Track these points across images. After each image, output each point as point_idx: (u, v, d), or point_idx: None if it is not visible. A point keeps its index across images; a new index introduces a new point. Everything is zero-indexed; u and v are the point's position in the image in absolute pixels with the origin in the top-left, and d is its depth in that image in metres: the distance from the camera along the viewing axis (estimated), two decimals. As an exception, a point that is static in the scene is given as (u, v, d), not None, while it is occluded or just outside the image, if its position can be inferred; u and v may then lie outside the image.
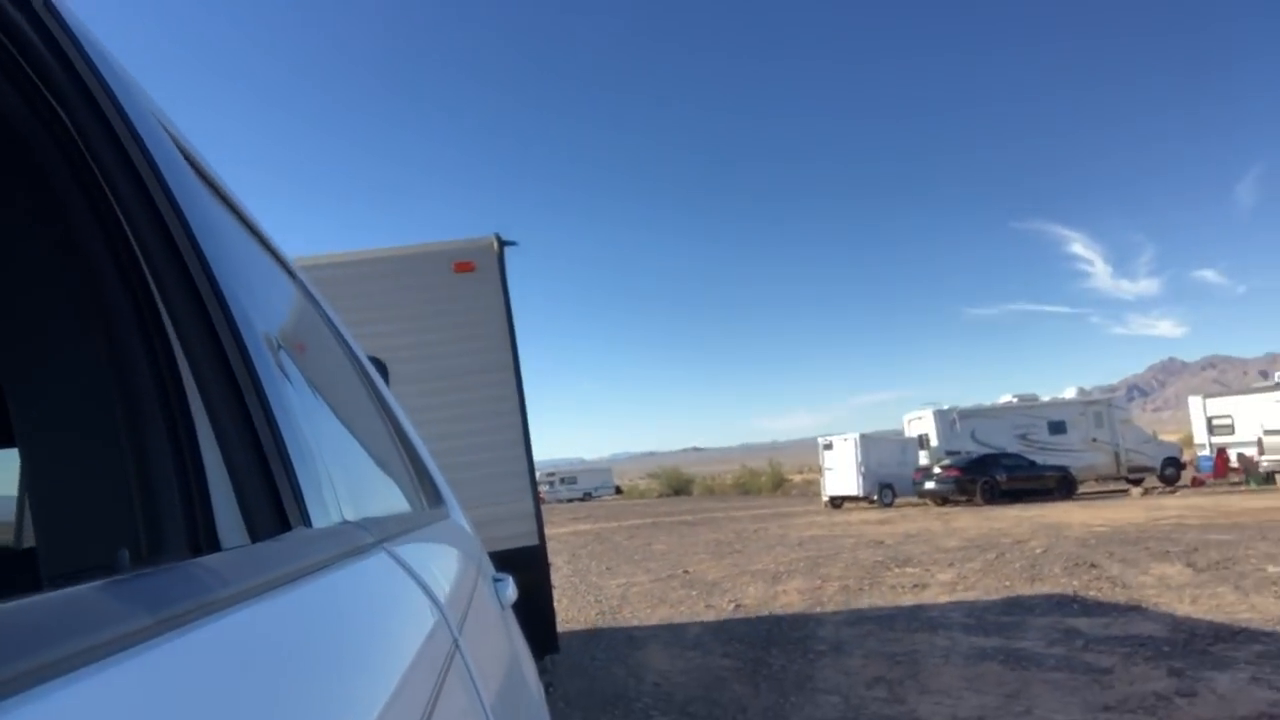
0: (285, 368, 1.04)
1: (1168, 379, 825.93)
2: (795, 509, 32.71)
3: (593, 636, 9.65)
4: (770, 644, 8.42)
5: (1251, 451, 25.68)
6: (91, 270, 0.73)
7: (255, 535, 0.77)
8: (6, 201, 0.73)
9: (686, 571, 14.60)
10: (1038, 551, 13.91)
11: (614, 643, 9.13)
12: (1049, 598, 10.03)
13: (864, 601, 10.63)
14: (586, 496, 70.97)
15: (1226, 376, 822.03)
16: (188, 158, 0.98)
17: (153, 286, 0.76)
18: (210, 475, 0.73)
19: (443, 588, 1.23)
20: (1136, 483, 30.71)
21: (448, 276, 6.77)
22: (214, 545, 0.71)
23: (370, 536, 1.03)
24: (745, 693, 6.80)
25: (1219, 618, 8.27)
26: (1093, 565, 12.04)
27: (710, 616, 10.21)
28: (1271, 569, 10.56)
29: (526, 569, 5.26)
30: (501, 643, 1.70)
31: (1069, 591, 10.27)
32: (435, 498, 2.20)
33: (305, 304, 1.68)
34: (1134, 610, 8.92)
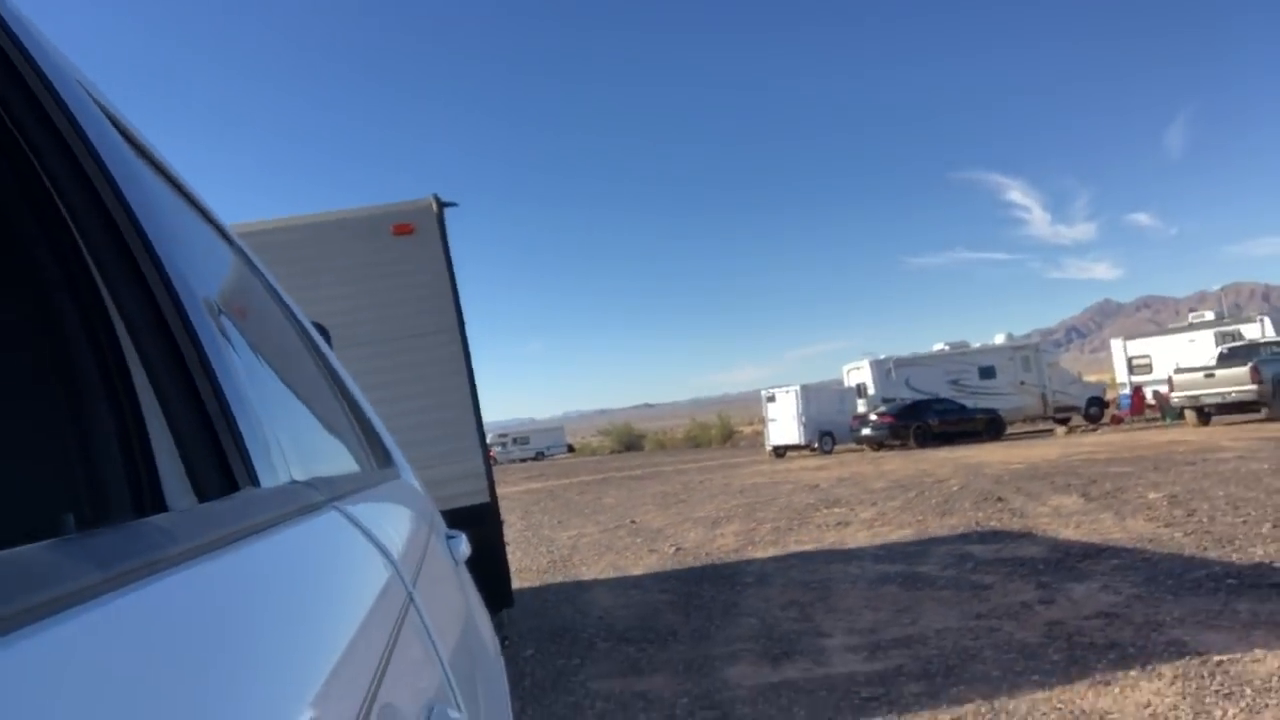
0: (227, 332, 1.03)
1: (1104, 320, 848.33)
2: (742, 460, 33.66)
3: (544, 583, 10.41)
4: (703, 580, 9.27)
5: (1164, 389, 27.28)
6: (20, 238, 0.73)
7: (202, 496, 0.78)
8: None
9: (633, 522, 15.42)
10: (954, 489, 15.02)
11: (564, 587, 9.91)
12: (954, 529, 10.99)
13: (791, 539, 11.55)
14: (539, 456, 71.44)
15: (1160, 316, 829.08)
16: (117, 126, 0.98)
17: (85, 253, 0.75)
18: (154, 439, 0.73)
19: (396, 544, 1.23)
20: (1063, 422, 32.08)
21: (387, 240, 6.79)
22: (160, 507, 0.70)
23: (320, 495, 1.03)
24: (677, 620, 7.63)
25: (1094, 539, 9.17)
26: (999, 499, 13.09)
27: (653, 560, 10.98)
28: (1152, 495, 11.54)
29: (479, 526, 5.39)
30: (456, 597, 1.71)
31: (973, 524, 11.16)
32: (385, 458, 2.20)
33: (244, 270, 1.67)
34: (1024, 537, 9.85)
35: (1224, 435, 19.68)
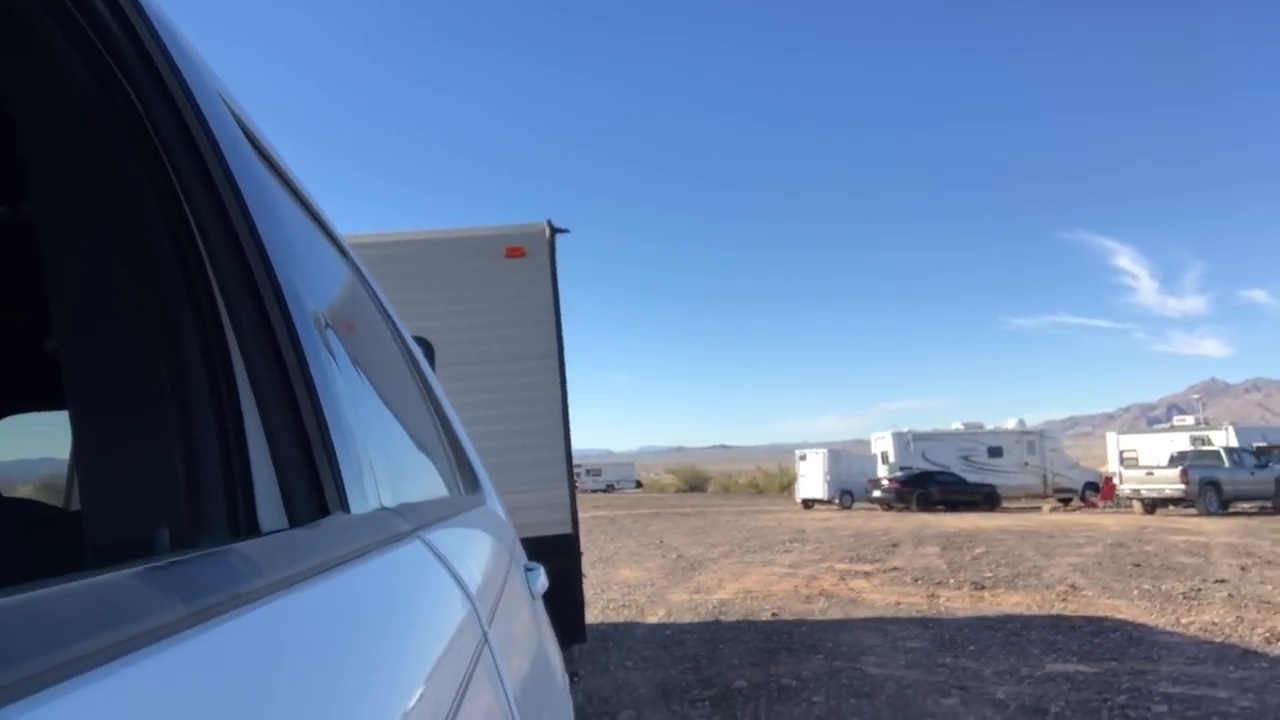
0: (332, 347, 1.05)
1: (1209, 399, 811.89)
2: (777, 508, 39.11)
3: (590, 570, 15.17)
4: (689, 569, 16.13)
5: (1115, 480, 31.44)
6: (147, 242, 0.75)
7: (294, 519, 0.79)
8: (69, 173, 0.75)
9: (662, 542, 21.89)
10: (884, 541, 20.51)
11: (603, 572, 16.06)
12: (840, 559, 16.95)
13: (751, 555, 18.34)
14: (609, 488, 74.84)
15: (1271, 400, 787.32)
16: (248, 134, 1.01)
17: (206, 262, 0.77)
18: (253, 455, 0.74)
19: (474, 578, 1.25)
20: (1066, 502, 36.20)
21: (498, 261, 6.77)
22: (253, 527, 0.72)
23: (406, 524, 1.05)
24: (664, 583, 14.27)
25: (905, 565, 15.55)
26: (894, 547, 19.02)
27: (662, 560, 17.77)
28: (979, 550, 17.55)
29: (558, 556, 5.33)
30: (530, 634, 1.73)
31: (854, 558, 17.06)
32: (472, 483, 2.21)
33: (356, 283, 1.70)
34: (867, 561, 16.38)
35: (1140, 521, 24.21)
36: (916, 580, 13.63)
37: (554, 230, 6.93)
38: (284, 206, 1.10)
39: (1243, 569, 13.30)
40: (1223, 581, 11.94)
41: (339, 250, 1.58)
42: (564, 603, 4.82)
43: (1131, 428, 35.86)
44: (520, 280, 6.79)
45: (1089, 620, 9.47)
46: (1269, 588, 11.18)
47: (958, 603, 11.26)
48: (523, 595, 1.81)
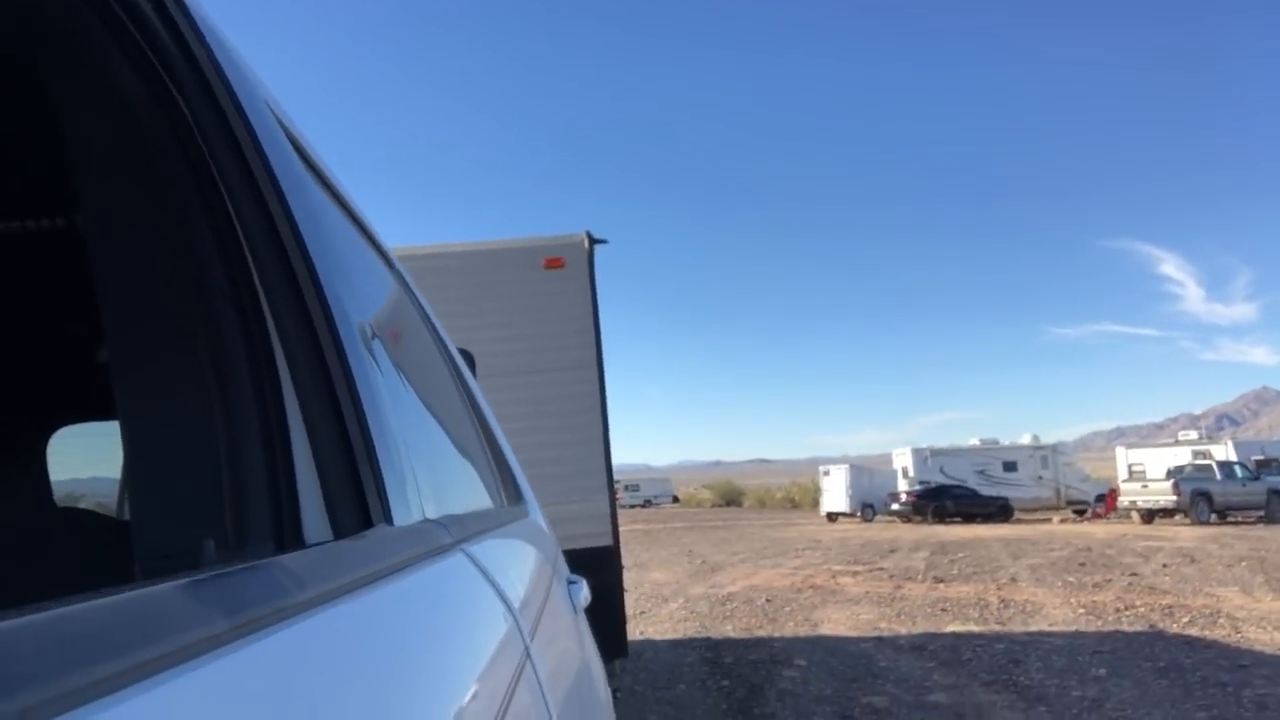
0: (378, 358, 1.02)
1: (1260, 408, 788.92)
2: (804, 522, 38.65)
3: (625, 574, 18.37)
4: (711, 571, 16.98)
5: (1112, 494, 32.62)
6: (195, 252, 0.73)
7: (338, 530, 0.76)
8: (120, 185, 0.73)
9: (691, 551, 22.40)
10: (885, 548, 21.14)
11: (637, 575, 16.10)
12: (840, 561, 18.07)
13: (764, 560, 19.17)
14: (647, 503, 74.01)
15: None
16: (296, 146, 0.97)
17: (253, 272, 0.75)
18: (298, 466, 0.73)
19: (517, 592, 1.20)
20: (1081, 513, 35.54)
21: (538, 272, 6.71)
22: (297, 538, 0.70)
23: (449, 536, 1.00)
24: (687, 582, 15.20)
25: (891, 566, 16.69)
26: (891, 553, 19.67)
27: (689, 565, 18.53)
28: (961, 555, 18.46)
29: (599, 570, 5.34)
30: (572, 649, 1.66)
31: (852, 561, 17.99)
32: (515, 495, 2.14)
33: (402, 294, 1.65)
34: (861, 564, 17.38)
35: (1128, 529, 25.28)
36: (892, 576, 14.80)
37: (593, 241, 6.89)
38: (331, 217, 1.07)
39: (1164, 566, 14.84)
40: (1136, 575, 13.66)
41: (385, 260, 1.56)
42: (604, 616, 4.45)
43: (1178, 438, 37.33)
44: (560, 291, 6.75)
45: (1005, 601, 11.37)
46: (1167, 579, 13.05)
47: (915, 591, 12.78)
48: (565, 609, 1.76)
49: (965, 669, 7.77)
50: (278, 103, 0.98)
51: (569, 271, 6.79)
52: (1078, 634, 9.25)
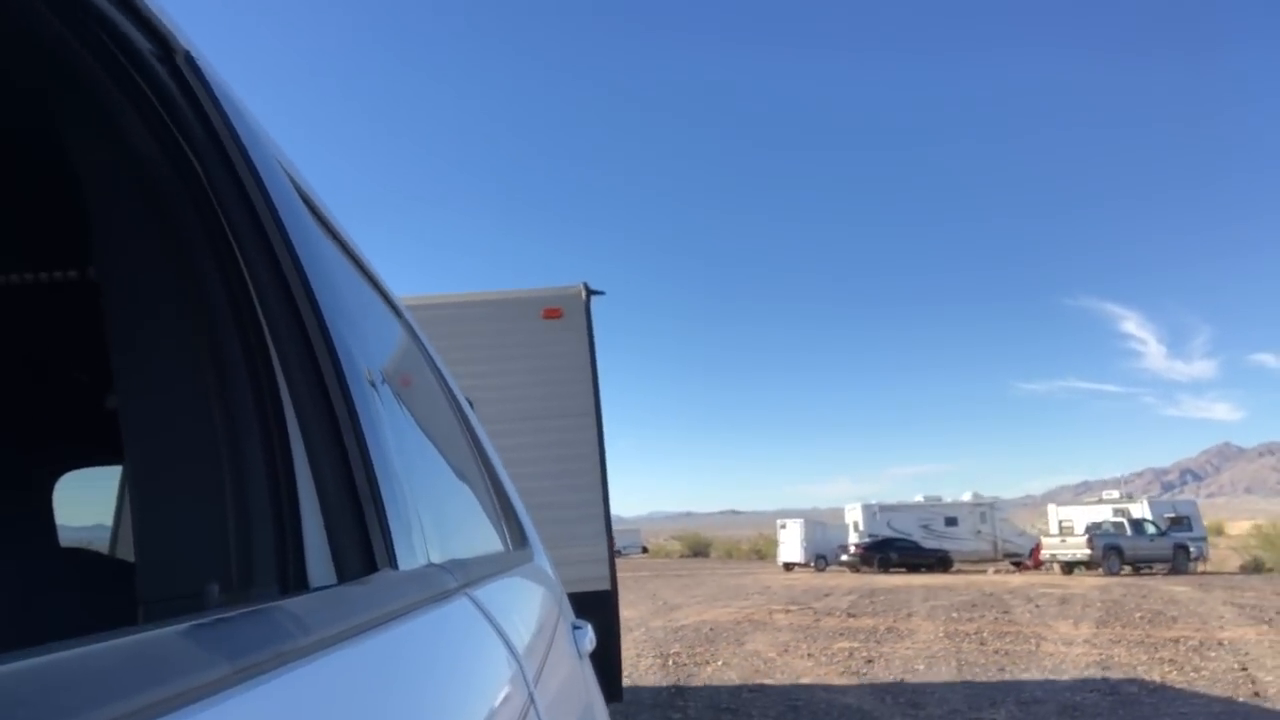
0: (385, 403, 0.99)
1: (1222, 464, 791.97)
2: (763, 571, 39.66)
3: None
4: (670, 610, 17.81)
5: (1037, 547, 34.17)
6: (206, 303, 0.72)
7: (343, 574, 0.74)
8: (134, 237, 0.73)
9: (655, 595, 23.04)
10: (823, 593, 22.26)
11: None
12: (778, 603, 19.23)
13: (716, 601, 20.32)
14: (617, 553, 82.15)
15: None
16: (307, 201, 0.96)
17: (263, 321, 0.75)
18: (304, 511, 0.72)
19: (522, 637, 1.16)
20: (1018, 565, 37.61)
21: (536, 322, 6.90)
22: (301, 582, 0.68)
23: (454, 581, 0.96)
24: (650, 617, 16.22)
25: (820, 606, 18.01)
26: (826, 596, 20.69)
27: (653, 605, 19.48)
28: (882, 598, 19.59)
29: (597, 613, 5.09)
30: (576, 694, 1.60)
31: (789, 603, 19.09)
32: (520, 539, 2.07)
33: (409, 341, 1.64)
34: (797, 605, 18.54)
35: (1041, 579, 26.78)
36: (817, 613, 16.12)
37: (589, 292, 7.04)
38: (340, 268, 1.05)
39: (1037, 607, 16.54)
40: (1008, 613, 15.80)
41: (393, 309, 1.55)
42: (602, 659, 3.94)
43: (1144, 491, 40.53)
44: (558, 341, 6.90)
45: (891, 630, 13.35)
46: (1028, 616, 15.03)
47: (830, 623, 14.40)
48: (569, 654, 1.70)
49: (833, 664, 10.23)
50: (289, 160, 0.96)
51: (567, 321, 6.98)
52: (926, 645, 11.71)
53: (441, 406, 1.79)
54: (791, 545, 41.82)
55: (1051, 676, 9.30)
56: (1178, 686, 8.65)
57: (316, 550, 0.73)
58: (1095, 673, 9.46)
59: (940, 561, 37.74)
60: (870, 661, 10.58)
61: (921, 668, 10.10)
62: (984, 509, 42.44)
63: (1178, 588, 21.49)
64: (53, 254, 1.41)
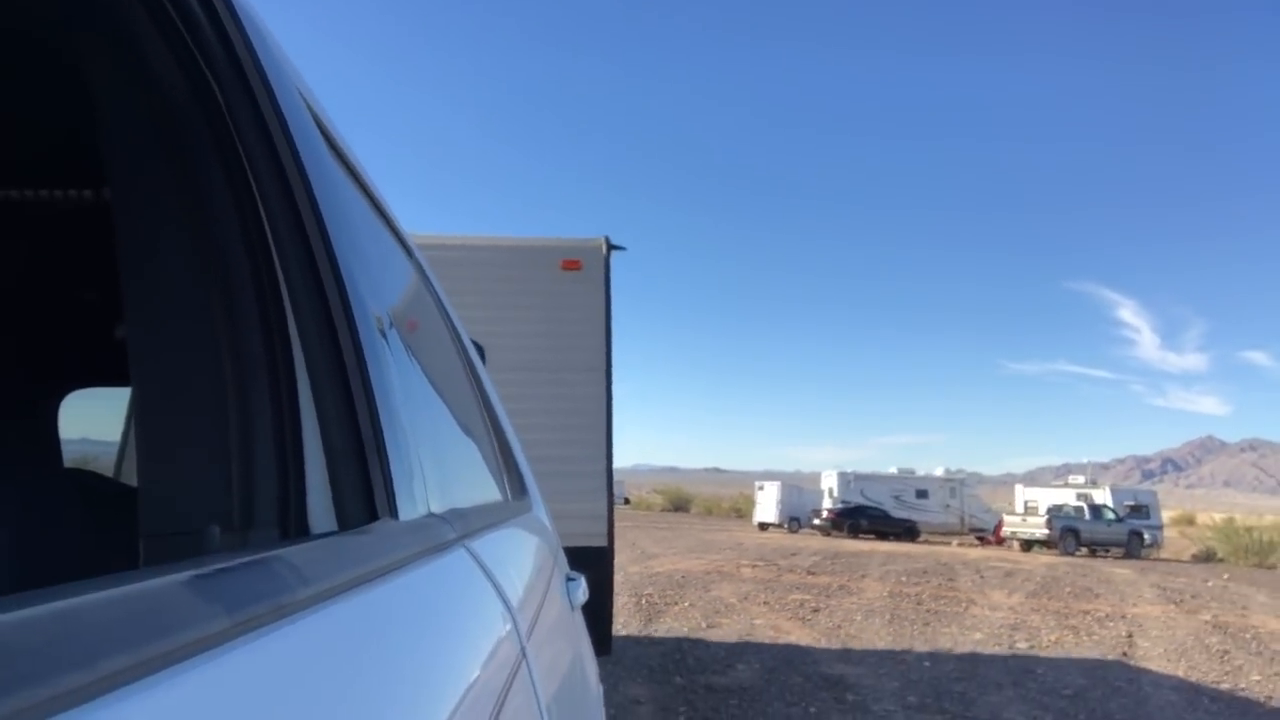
0: (392, 347, 0.96)
1: (1204, 456, 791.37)
2: (739, 529, 39.29)
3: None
4: (647, 558, 17.92)
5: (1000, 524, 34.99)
6: (220, 235, 0.70)
7: (343, 522, 0.72)
8: (150, 162, 0.71)
9: (634, 544, 22.77)
10: (790, 551, 22.50)
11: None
12: (741, 560, 19.11)
13: (691, 553, 20.51)
14: None
15: (1266, 460, 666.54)
16: (324, 132, 0.93)
17: (275, 257, 0.72)
18: (308, 455, 0.70)
19: (516, 589, 1.13)
20: (981, 539, 38.71)
21: (554, 272, 6.77)
22: (302, 528, 0.67)
23: (452, 532, 0.94)
24: (628, 564, 15.83)
25: (786, 563, 18.35)
26: (793, 555, 20.64)
27: (631, 553, 19.02)
28: (844, 560, 19.71)
29: (593, 569, 4.41)
30: (567, 647, 1.58)
31: (757, 559, 19.17)
32: (520, 489, 2.04)
33: (420, 283, 1.58)
34: (764, 560, 18.84)
35: (998, 554, 27.01)
36: (781, 569, 16.57)
37: (611, 247, 6.79)
38: (354, 204, 1.01)
39: (982, 578, 17.04)
40: (953, 580, 16.36)
41: (404, 248, 1.49)
42: (594, 614, 3.77)
43: (1125, 478, 41.74)
44: (574, 293, 6.74)
45: (843, 586, 14.13)
46: (970, 584, 15.65)
47: (790, 578, 15.04)
48: (562, 606, 1.68)
49: (784, 611, 11.15)
50: (308, 88, 0.92)
51: (585, 274, 6.81)
52: (869, 602, 12.42)
53: (448, 351, 1.71)
54: (767, 506, 42.20)
55: (966, 633, 10.34)
56: (1066, 647, 9.55)
57: (319, 496, 0.71)
58: (1005, 633, 10.41)
59: (908, 531, 38.67)
60: (816, 611, 12.22)
61: (860, 619, 11.79)
62: (954, 484, 43.31)
63: (1120, 570, 21.85)
64: (68, 173, 1.34)
